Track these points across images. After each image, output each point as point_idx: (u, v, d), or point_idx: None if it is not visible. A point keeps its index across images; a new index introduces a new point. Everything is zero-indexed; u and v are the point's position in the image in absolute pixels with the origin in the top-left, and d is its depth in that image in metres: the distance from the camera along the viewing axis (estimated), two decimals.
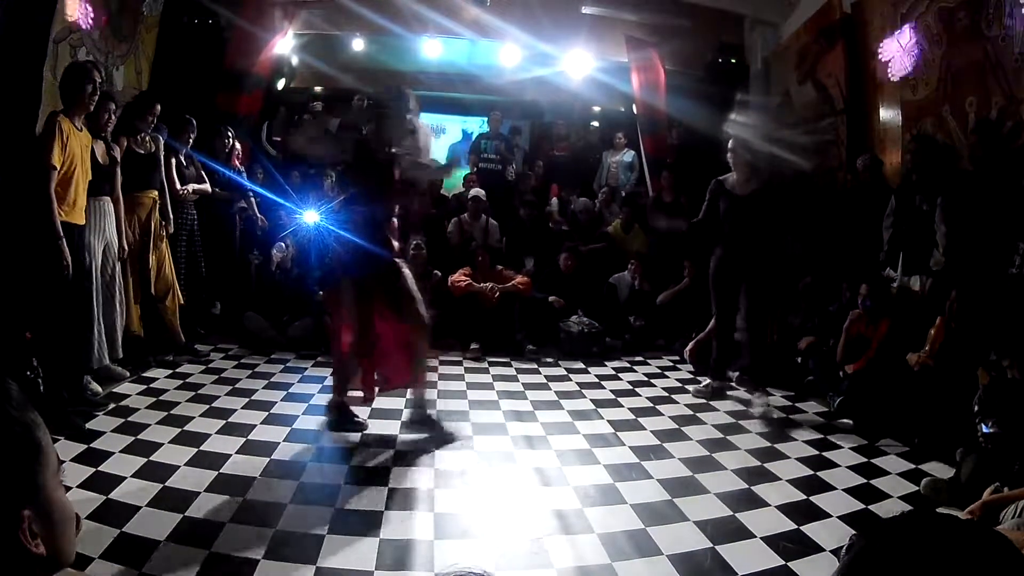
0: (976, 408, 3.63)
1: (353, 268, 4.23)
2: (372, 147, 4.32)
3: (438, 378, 5.66)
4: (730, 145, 5.15)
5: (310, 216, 6.99)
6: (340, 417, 4.39)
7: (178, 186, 5.76)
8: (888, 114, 6.49)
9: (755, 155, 5.04)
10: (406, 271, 4.37)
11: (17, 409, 0.91)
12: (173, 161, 5.73)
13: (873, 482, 3.79)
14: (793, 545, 3.04)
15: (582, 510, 3.37)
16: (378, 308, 4.29)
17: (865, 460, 4.10)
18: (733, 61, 9.16)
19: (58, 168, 4.12)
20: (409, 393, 4.64)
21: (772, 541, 3.07)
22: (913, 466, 4.03)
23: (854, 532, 0.91)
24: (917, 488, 3.66)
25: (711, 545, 3.03)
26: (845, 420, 4.86)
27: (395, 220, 4.58)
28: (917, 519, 0.83)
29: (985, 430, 3.52)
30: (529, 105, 11.50)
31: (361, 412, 4.52)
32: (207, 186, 6.19)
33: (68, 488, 2.96)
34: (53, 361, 4.09)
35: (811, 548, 3.02)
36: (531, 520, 3.26)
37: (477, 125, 11.14)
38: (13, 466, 0.88)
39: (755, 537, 3.11)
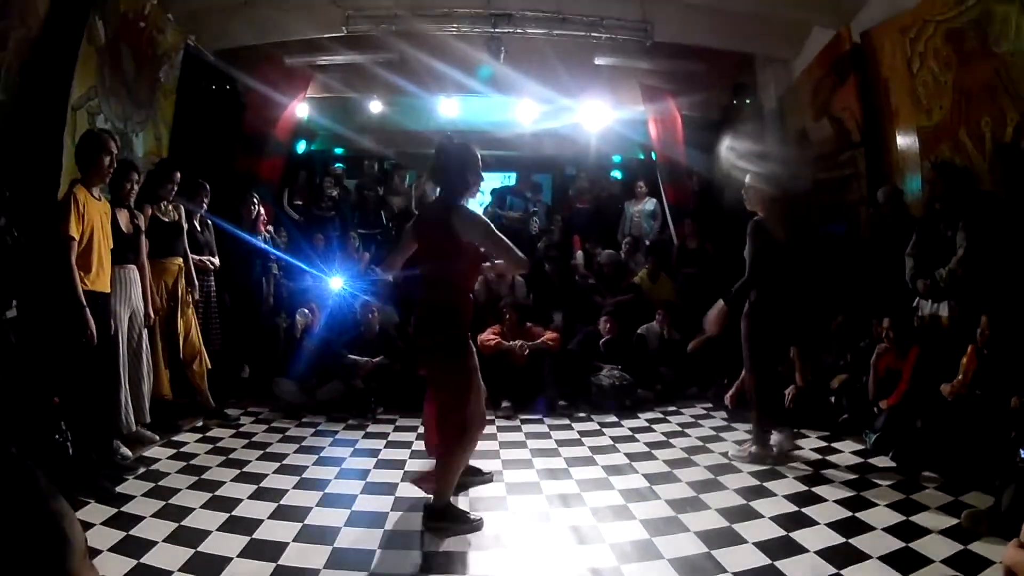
0: (1014, 434, 3.55)
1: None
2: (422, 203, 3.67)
3: None
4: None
5: (335, 281, 7.03)
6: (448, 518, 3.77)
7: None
8: (905, 142, 6.44)
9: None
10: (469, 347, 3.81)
11: (44, 500, 0.91)
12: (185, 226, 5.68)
13: (913, 518, 3.69)
14: None
15: (619, 567, 3.29)
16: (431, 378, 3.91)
17: (904, 496, 3.99)
18: (748, 102, 9.18)
19: (76, 238, 4.18)
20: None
21: None
22: (953, 498, 3.93)
23: None
24: (958, 521, 3.56)
25: None
26: (882, 457, 4.76)
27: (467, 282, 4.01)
28: None
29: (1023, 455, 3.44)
30: (548, 159, 11.58)
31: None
32: (215, 259, 6.09)
33: (98, 552, 2.99)
34: (81, 425, 4.10)
35: None
36: None
37: (498, 181, 11.21)
38: (41, 557, 0.89)
39: None
